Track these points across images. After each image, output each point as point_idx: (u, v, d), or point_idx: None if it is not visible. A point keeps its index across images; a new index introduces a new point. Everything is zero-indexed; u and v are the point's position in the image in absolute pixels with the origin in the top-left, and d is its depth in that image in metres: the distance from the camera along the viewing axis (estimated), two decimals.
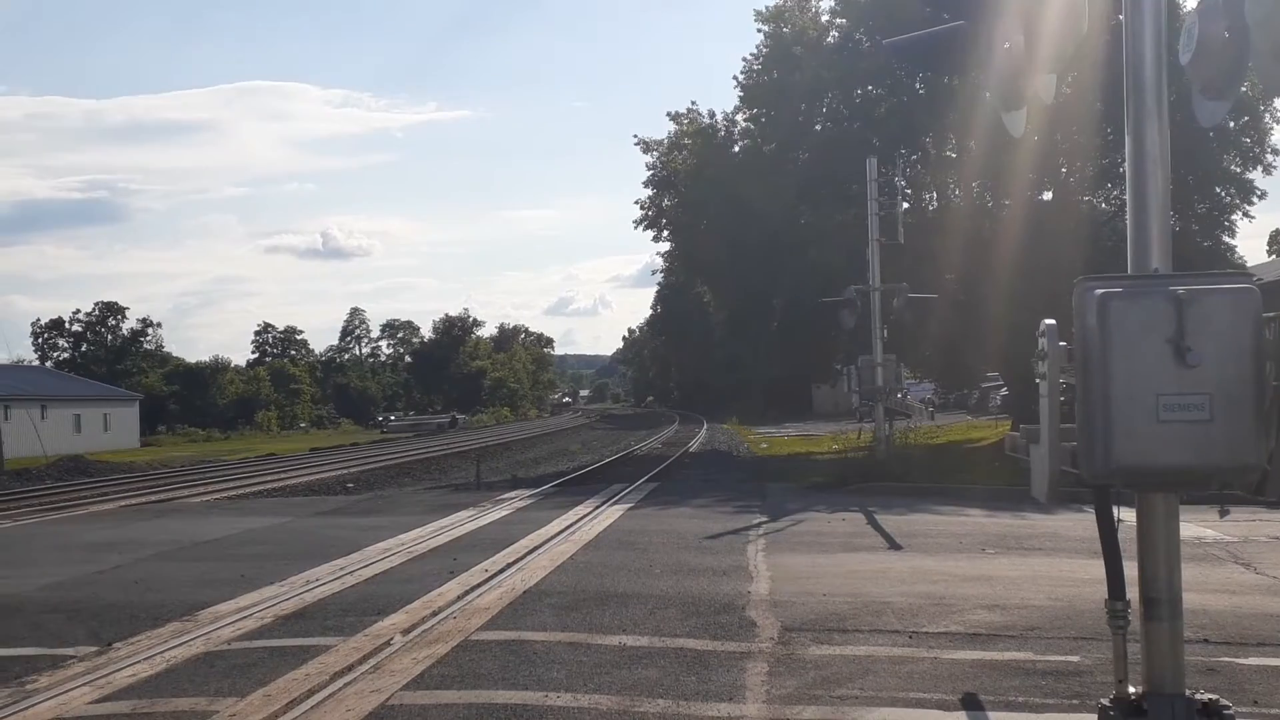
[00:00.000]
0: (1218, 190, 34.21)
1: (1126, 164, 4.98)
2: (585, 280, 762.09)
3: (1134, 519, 4.84)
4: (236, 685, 7.83)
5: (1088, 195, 35.72)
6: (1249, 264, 43.15)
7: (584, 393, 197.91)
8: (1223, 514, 15.20)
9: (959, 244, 31.65)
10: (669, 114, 45.40)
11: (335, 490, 29.24)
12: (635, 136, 45.80)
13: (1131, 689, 4.80)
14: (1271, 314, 4.47)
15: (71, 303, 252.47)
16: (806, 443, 43.58)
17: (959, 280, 32.49)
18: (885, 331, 27.10)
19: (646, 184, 46.57)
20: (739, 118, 43.92)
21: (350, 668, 8.23)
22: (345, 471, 37.45)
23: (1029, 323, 4.88)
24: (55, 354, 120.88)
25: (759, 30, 40.62)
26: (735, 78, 41.72)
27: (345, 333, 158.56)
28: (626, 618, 9.85)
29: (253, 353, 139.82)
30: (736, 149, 44.24)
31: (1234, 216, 34.85)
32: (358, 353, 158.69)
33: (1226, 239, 35.26)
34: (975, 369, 44.77)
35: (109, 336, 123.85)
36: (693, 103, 46.10)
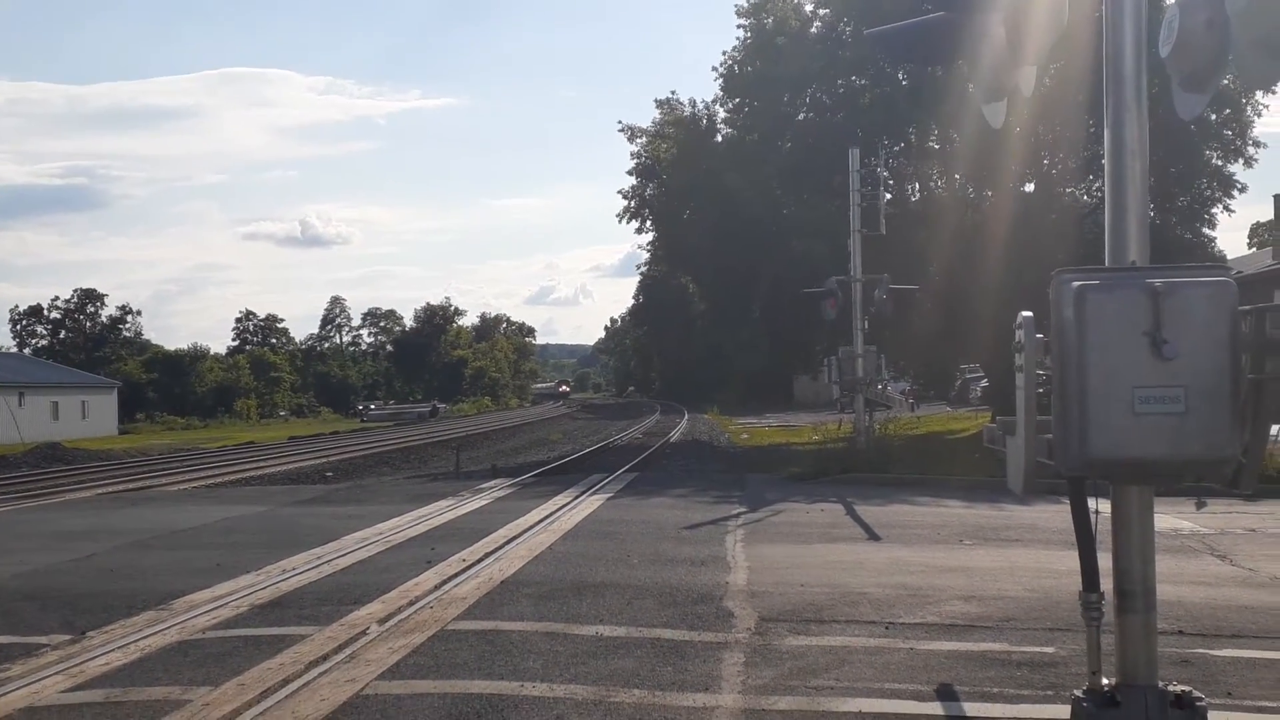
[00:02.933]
0: (1199, 183, 34.30)
1: (1105, 156, 4.98)
2: (566, 270, 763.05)
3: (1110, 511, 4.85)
4: (211, 674, 7.78)
5: (1070, 187, 35.79)
6: (1229, 257, 43.37)
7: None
8: (1200, 506, 15.33)
9: (941, 235, 31.66)
10: (655, 100, 45.35)
11: (314, 479, 29.12)
12: (620, 122, 45.73)
13: (1105, 680, 4.81)
14: (1248, 307, 4.48)
15: (50, 289, 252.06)
16: (787, 433, 43.62)
17: (941, 271, 32.52)
18: (866, 323, 27.13)
19: (630, 172, 46.53)
20: (722, 107, 43.88)
21: (325, 657, 8.19)
22: (324, 460, 37.35)
23: (1010, 314, 4.88)
24: (34, 340, 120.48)
25: (739, 26, 40.59)
26: (715, 68, 41.77)
27: (326, 321, 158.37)
28: (604, 608, 9.83)
29: (233, 340, 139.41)
30: (719, 138, 44.19)
31: (1214, 210, 34.97)
32: (339, 341, 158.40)
33: (1207, 232, 35.36)
34: (954, 366, 44.75)
35: (88, 323, 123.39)
36: (672, 92, 45.87)
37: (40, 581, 12.03)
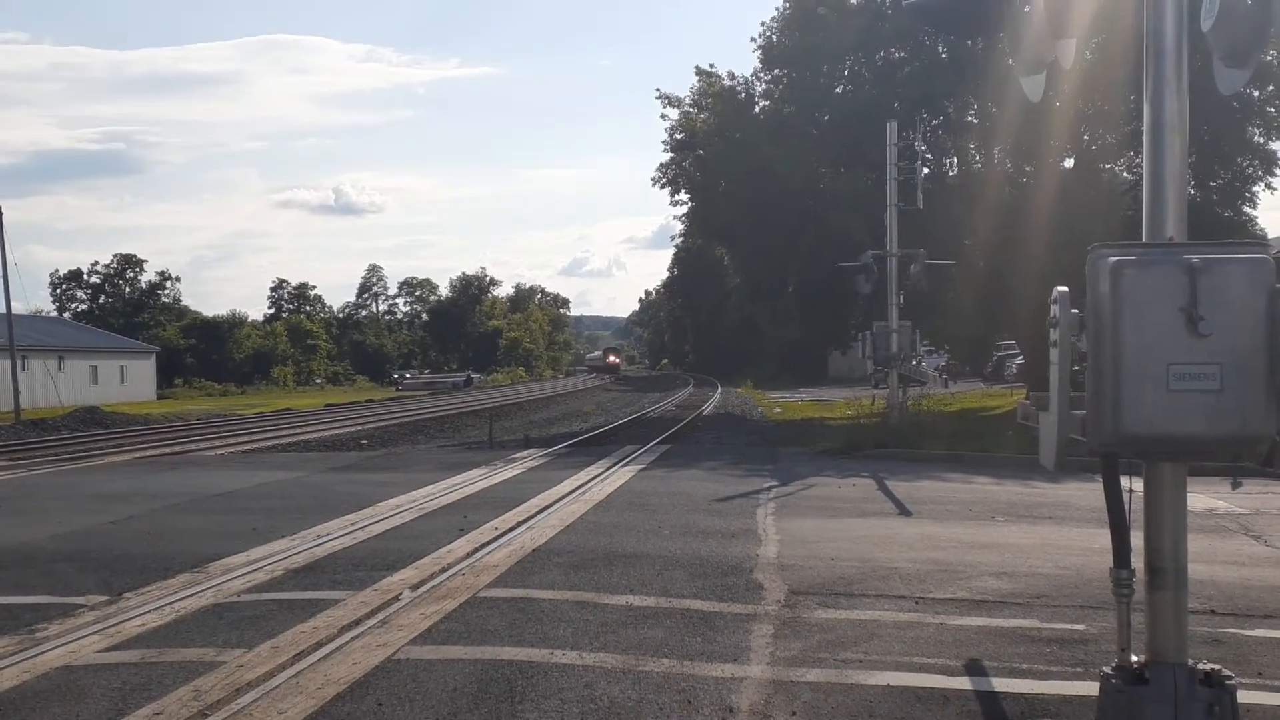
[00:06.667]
0: (1240, 160, 33.84)
1: (1144, 132, 4.93)
2: (600, 241, 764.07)
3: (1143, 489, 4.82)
4: (245, 637, 7.89)
5: (1110, 163, 35.40)
6: (1270, 235, 42.79)
7: (596, 354, 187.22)
8: (1235, 486, 15.18)
9: (979, 210, 31.39)
10: (696, 68, 44.90)
11: (349, 446, 29.34)
12: (658, 90, 45.33)
13: (1135, 658, 4.80)
14: None
15: (89, 254, 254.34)
16: (820, 408, 43.56)
17: (978, 247, 32.28)
18: (901, 298, 27.00)
19: (667, 144, 46.23)
20: (760, 78, 43.55)
21: (358, 621, 8.29)
22: (359, 428, 37.60)
23: (1047, 291, 4.85)
24: (73, 305, 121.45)
25: None
26: (753, 39, 41.48)
27: (363, 289, 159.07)
28: (634, 578, 9.88)
29: (269, 308, 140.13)
30: (758, 110, 43.90)
31: (1256, 188, 34.51)
32: (375, 310, 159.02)
33: (1248, 210, 34.88)
34: (990, 342, 44.36)
35: (127, 289, 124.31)
36: (711, 65, 45.20)
37: (78, 543, 12.21)
